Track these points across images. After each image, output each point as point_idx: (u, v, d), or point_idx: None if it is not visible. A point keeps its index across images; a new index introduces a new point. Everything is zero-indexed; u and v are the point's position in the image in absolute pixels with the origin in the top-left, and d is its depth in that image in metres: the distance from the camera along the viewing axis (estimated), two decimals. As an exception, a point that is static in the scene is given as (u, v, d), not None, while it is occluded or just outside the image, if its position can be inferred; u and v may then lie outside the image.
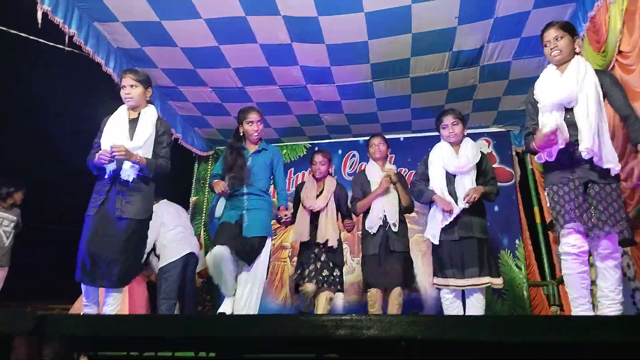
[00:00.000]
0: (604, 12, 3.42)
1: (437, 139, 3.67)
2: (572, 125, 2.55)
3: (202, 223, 6.39)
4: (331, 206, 4.00)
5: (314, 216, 3.98)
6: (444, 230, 3.30)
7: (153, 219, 4.76)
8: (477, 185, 3.34)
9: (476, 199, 3.23)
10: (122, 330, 1.39)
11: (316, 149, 5.67)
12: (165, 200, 4.93)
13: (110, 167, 2.88)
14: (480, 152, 3.50)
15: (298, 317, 1.47)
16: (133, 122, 3.03)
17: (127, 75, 3.09)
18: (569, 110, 2.59)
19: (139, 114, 3.07)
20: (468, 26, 4.08)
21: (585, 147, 2.43)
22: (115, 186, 2.91)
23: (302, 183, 4.27)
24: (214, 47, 4.41)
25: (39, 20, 3.53)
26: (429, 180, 3.50)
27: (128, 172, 2.88)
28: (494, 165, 5.51)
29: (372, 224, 3.75)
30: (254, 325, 1.32)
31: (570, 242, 2.49)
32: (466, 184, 3.31)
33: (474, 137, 4.80)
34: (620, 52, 3.29)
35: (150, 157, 2.98)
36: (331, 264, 3.86)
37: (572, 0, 3.81)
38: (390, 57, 4.56)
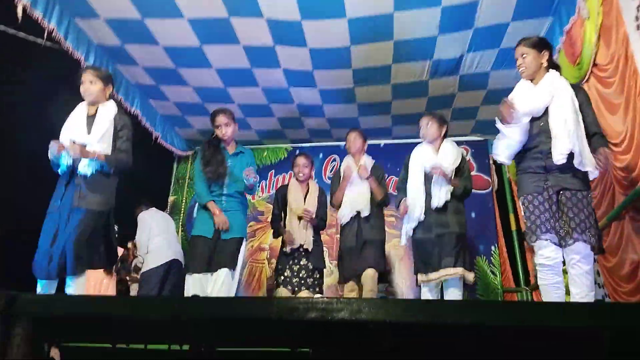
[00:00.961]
0: (579, 26, 3.53)
1: (416, 146, 3.73)
2: (544, 132, 2.62)
3: (180, 223, 6.34)
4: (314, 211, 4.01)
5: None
6: (423, 227, 3.39)
7: (141, 226, 4.85)
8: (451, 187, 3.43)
9: (440, 172, 3.32)
10: (92, 309, 1.38)
11: (297, 152, 5.68)
12: (154, 208, 5.08)
13: (67, 162, 2.88)
14: (462, 157, 3.57)
15: (270, 299, 1.48)
16: (91, 118, 3.03)
17: (88, 71, 3.10)
18: (542, 118, 2.66)
19: (97, 109, 3.07)
20: (448, 36, 4.16)
21: (560, 152, 2.49)
22: (73, 180, 2.91)
23: (284, 186, 4.26)
24: (197, 47, 4.40)
25: (19, 15, 3.48)
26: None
27: (86, 166, 2.88)
28: (472, 173, 5.61)
29: (342, 214, 3.85)
30: (226, 308, 1.32)
31: (546, 254, 2.55)
32: (442, 183, 3.40)
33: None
34: (596, 64, 3.40)
35: (110, 152, 2.98)
36: (310, 266, 3.86)
37: (549, 14, 3.91)
38: (372, 63, 4.62)
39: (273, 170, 6.41)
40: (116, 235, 5.13)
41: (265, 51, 4.45)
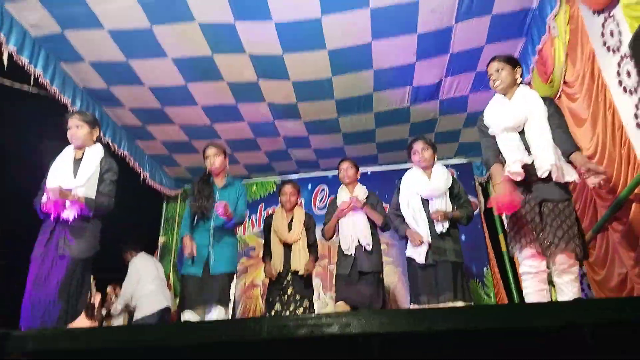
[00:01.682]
0: (549, 45, 3.66)
1: (403, 172, 3.72)
2: (526, 147, 2.66)
3: (171, 264, 6.27)
4: (302, 236, 4.02)
5: (286, 246, 3.99)
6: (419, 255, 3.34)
7: (131, 273, 4.78)
8: (450, 208, 3.42)
9: (441, 218, 3.28)
10: (87, 342, 1.36)
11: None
12: (143, 252, 5.02)
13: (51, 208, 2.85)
14: (452, 177, 3.57)
15: (261, 319, 1.47)
16: (78, 162, 3.05)
17: (74, 115, 3.14)
18: (521, 134, 2.71)
19: (84, 152, 3.09)
20: (426, 62, 4.29)
21: (544, 167, 2.54)
22: (58, 227, 2.88)
23: (270, 215, 4.27)
24: (182, 86, 4.49)
25: (5, 62, 3.54)
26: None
27: (67, 212, 2.85)
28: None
29: (347, 245, 3.73)
30: (219, 331, 1.31)
31: (529, 263, 2.59)
32: (440, 208, 3.36)
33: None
34: (565, 82, 3.52)
35: (94, 195, 2.97)
36: (298, 297, 3.82)
37: (521, 35, 4.06)
38: (354, 93, 4.73)
39: (262, 204, 6.43)
40: (93, 282, 5.09)
41: (250, 86, 4.54)
